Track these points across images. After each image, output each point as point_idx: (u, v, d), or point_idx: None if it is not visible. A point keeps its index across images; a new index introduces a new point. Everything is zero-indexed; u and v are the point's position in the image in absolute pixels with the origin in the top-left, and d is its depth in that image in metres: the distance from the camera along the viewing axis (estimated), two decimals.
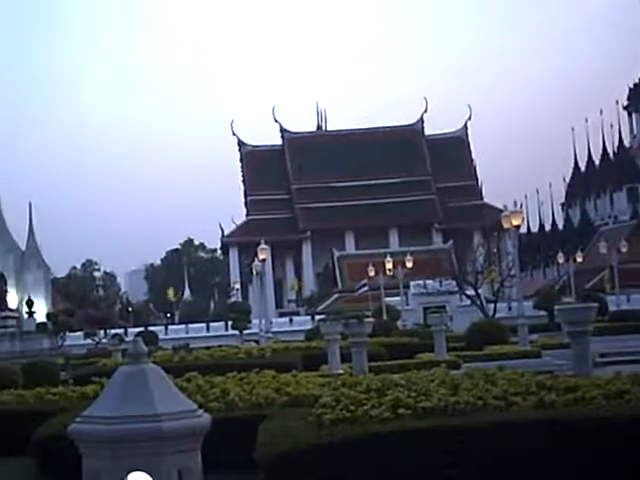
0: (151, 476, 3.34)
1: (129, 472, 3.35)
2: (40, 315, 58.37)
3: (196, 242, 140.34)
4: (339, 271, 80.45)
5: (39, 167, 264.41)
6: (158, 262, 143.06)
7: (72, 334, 58.77)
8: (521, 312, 32.52)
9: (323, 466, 8.73)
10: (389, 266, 60.51)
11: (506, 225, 36.86)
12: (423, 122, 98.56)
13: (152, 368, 3.57)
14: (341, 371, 19.93)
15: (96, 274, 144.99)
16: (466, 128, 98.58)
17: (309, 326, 51.83)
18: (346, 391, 10.66)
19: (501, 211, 40.72)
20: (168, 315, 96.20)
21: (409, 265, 61.86)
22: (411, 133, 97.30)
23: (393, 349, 27.46)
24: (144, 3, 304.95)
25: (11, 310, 58.47)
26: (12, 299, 59.26)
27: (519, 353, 26.24)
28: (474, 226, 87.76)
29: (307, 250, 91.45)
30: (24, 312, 58.55)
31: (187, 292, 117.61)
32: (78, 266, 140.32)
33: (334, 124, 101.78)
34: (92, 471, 3.42)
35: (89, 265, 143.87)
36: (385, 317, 47.10)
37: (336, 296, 74.94)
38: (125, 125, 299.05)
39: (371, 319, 21.26)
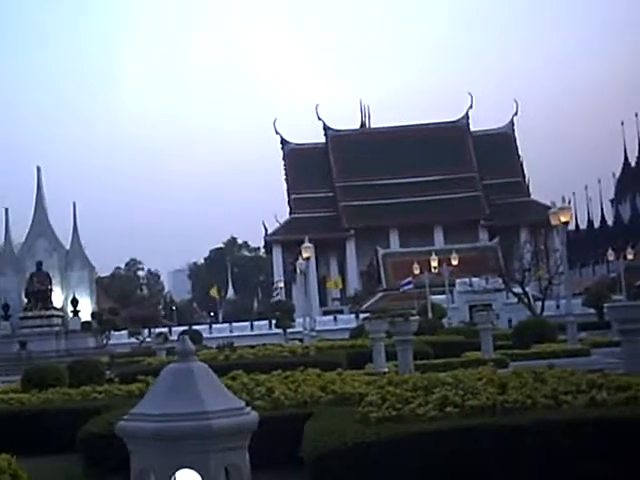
0: (199, 474, 3.33)
1: (177, 469, 3.35)
2: (85, 314, 58.69)
3: (239, 241, 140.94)
4: (383, 269, 79.98)
5: (83, 166, 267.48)
6: (201, 261, 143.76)
7: (116, 333, 59.20)
8: (570, 310, 32.00)
9: (369, 464, 8.68)
10: (434, 264, 60.06)
11: (554, 222, 36.26)
12: (468, 118, 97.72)
13: (200, 366, 3.57)
14: (386, 369, 19.86)
15: (140, 273, 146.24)
16: (512, 124, 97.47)
17: (353, 324, 51.59)
18: (392, 389, 10.61)
19: (549, 208, 40.03)
20: (212, 314, 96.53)
21: (454, 263, 61.40)
22: (456, 129, 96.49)
23: (439, 347, 27.36)
24: (189, 1, 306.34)
25: (56, 309, 58.88)
26: (57, 298, 59.65)
27: (568, 351, 25.90)
28: (521, 223, 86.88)
29: (351, 248, 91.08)
30: (69, 311, 58.93)
31: (230, 291, 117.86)
32: (122, 265, 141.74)
33: (378, 121, 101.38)
34: (140, 468, 3.41)
35: (133, 264, 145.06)
36: (430, 315, 46.93)
37: (380, 294, 74.59)
38: (169, 124, 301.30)
39: (416, 317, 21.07)
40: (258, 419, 3.55)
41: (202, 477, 3.35)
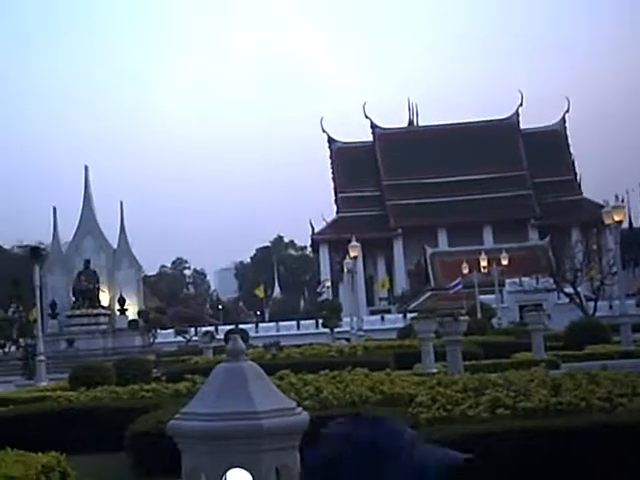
0: (250, 473, 3.29)
1: (228, 469, 3.31)
2: (132, 312, 59.08)
3: (286, 240, 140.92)
4: (431, 269, 79.43)
5: (131, 166, 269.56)
6: (248, 260, 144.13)
7: (163, 331, 59.46)
8: (624, 311, 31.34)
9: None
10: (483, 263, 59.45)
11: (607, 221, 35.62)
12: (518, 116, 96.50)
13: (250, 365, 3.50)
14: (435, 370, 19.72)
15: (186, 272, 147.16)
16: (564, 121, 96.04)
17: (401, 324, 51.30)
18: (442, 390, 10.53)
19: (601, 206, 39.28)
20: (258, 313, 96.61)
21: (504, 262, 60.72)
22: (506, 127, 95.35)
23: (488, 348, 27.15)
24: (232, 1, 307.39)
25: (103, 307, 59.37)
26: (104, 296, 60.12)
27: (622, 353, 25.46)
28: (573, 222, 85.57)
29: (398, 247, 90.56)
30: (116, 309, 59.38)
31: (277, 290, 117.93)
32: (168, 264, 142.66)
33: (426, 119, 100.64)
34: (191, 468, 3.40)
35: (179, 263, 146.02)
36: (479, 315, 46.46)
37: (429, 294, 74.10)
38: (216, 123, 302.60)
39: (466, 317, 20.77)
40: (309, 419, 3.47)
41: (253, 477, 3.30)
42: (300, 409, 3.50)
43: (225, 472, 3.32)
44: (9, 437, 12.55)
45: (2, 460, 7.28)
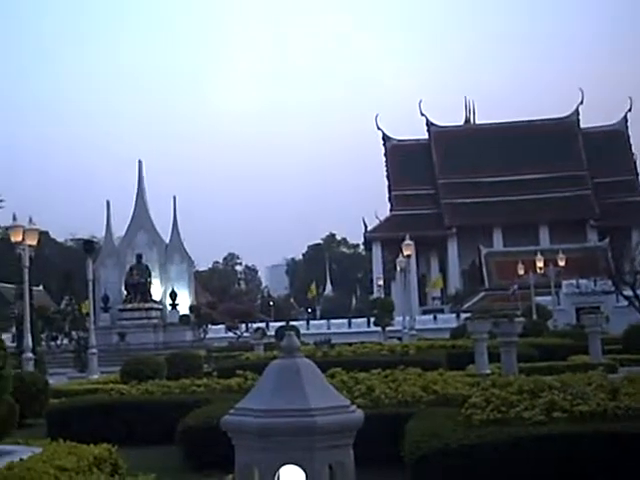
0: (304, 470, 3.33)
1: (281, 465, 3.35)
2: (183, 307, 59.35)
3: (338, 237, 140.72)
4: (486, 269, 78.44)
5: (183, 161, 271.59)
6: (299, 257, 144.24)
7: (214, 327, 59.56)
8: None
9: (472, 467, 8.48)
10: (540, 264, 58.51)
11: None
12: (578, 114, 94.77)
13: (305, 362, 3.56)
14: (488, 371, 19.46)
15: (237, 268, 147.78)
16: (626, 120, 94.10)
17: (454, 324, 50.85)
18: (497, 392, 10.37)
19: None
20: (309, 310, 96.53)
21: (561, 263, 59.72)
22: (565, 126, 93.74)
23: (544, 350, 26.86)
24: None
25: (155, 302, 59.76)
26: (156, 291, 60.51)
27: None
28: (633, 223, 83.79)
29: (452, 247, 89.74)
30: (167, 304, 59.69)
31: (328, 287, 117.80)
32: (220, 260, 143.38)
33: (483, 117, 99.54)
34: (244, 463, 3.44)
35: (231, 259, 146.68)
36: (535, 317, 45.76)
37: (483, 294, 73.27)
38: (270, 120, 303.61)
39: (521, 319, 20.42)
40: (362, 417, 3.53)
41: (306, 473, 3.34)
42: (354, 407, 3.54)
43: (278, 468, 3.37)
44: (62, 429, 12.64)
45: (55, 451, 7.32)
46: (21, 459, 6.77)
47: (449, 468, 8.50)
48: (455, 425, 9.41)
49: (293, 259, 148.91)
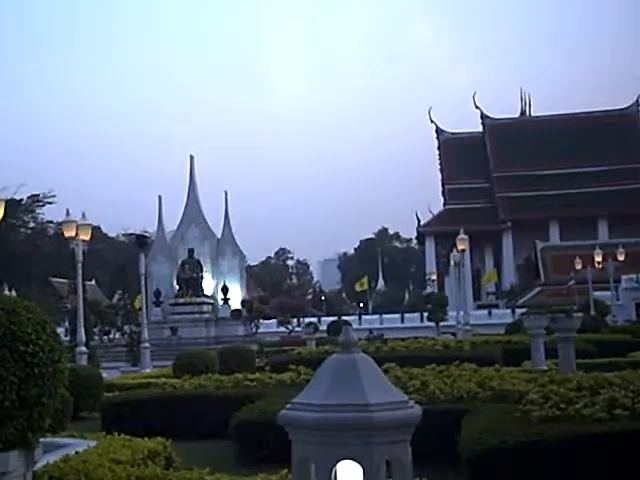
0: (361, 465, 3.30)
1: (339, 460, 3.33)
2: (235, 302, 59.30)
3: (391, 231, 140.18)
4: (542, 263, 77.16)
5: (235, 155, 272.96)
6: (351, 251, 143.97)
7: (266, 321, 59.36)
8: None
9: (530, 465, 8.34)
10: (598, 259, 57.41)
11: None
12: (639, 105, 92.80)
13: (363, 357, 3.52)
14: (545, 367, 19.17)
15: (289, 262, 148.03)
16: None
17: (509, 319, 50.11)
18: (555, 388, 10.27)
19: None
20: (361, 305, 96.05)
21: (621, 258, 58.48)
22: (624, 118, 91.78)
23: (602, 346, 26.39)
24: None
25: (207, 296, 59.84)
26: (208, 285, 60.56)
27: None
28: None
29: (507, 241, 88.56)
30: (219, 298, 59.72)
31: (381, 282, 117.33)
32: (271, 254, 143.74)
33: (539, 109, 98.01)
34: (301, 457, 3.42)
35: (282, 253, 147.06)
36: (593, 312, 44.82)
37: (539, 289, 72.18)
38: (322, 114, 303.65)
39: (579, 314, 19.95)
40: (421, 414, 3.48)
41: (364, 469, 3.31)
42: (412, 403, 3.50)
43: (336, 463, 3.33)
44: (116, 422, 12.52)
45: (110, 445, 7.37)
46: (76, 452, 6.77)
47: (507, 465, 8.34)
48: (513, 422, 9.29)
49: (345, 254, 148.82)
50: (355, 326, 53.56)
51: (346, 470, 3.36)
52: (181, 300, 58.86)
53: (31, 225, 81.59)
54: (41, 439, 5.85)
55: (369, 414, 3.30)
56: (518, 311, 58.08)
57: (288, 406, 3.47)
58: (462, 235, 45.60)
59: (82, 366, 21.58)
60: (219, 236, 62.08)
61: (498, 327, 44.56)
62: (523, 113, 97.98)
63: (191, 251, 60.42)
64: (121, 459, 6.77)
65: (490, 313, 65.39)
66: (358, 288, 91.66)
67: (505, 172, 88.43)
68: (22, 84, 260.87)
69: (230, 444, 12.17)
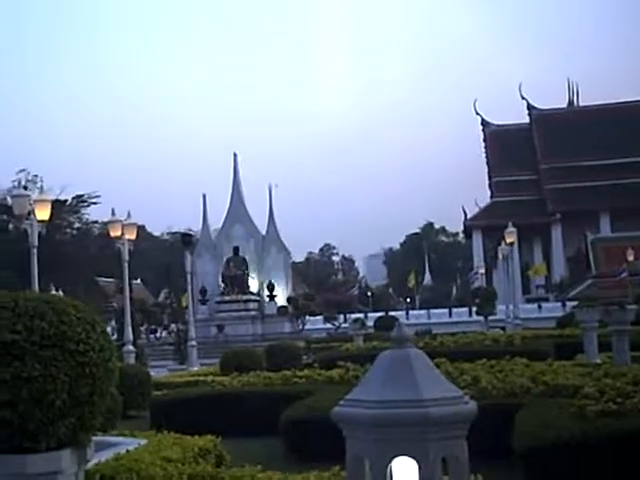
0: (417, 462, 3.29)
1: (394, 457, 3.31)
2: (281, 299, 59.38)
3: (437, 226, 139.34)
4: (593, 255, 76.00)
5: (279, 151, 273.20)
6: (397, 246, 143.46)
7: (312, 318, 59.27)
8: None
9: (587, 460, 8.17)
10: None
11: None
12: None
13: (417, 353, 3.53)
14: (599, 361, 18.85)
15: (334, 258, 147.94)
16: None
17: (559, 313, 49.55)
18: (610, 382, 10.16)
19: None
20: (408, 300, 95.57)
21: None
22: None
23: None
24: None
25: (252, 293, 60.08)
26: (253, 283, 60.77)
27: None
28: None
29: (556, 233, 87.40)
30: (265, 296, 59.84)
31: (427, 277, 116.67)
32: (315, 250, 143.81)
33: (587, 99, 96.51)
34: (356, 454, 3.43)
35: (327, 249, 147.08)
36: None
37: (589, 281, 71.15)
38: (365, 106, 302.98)
39: (633, 306, 19.64)
40: (476, 409, 3.47)
41: (420, 465, 3.30)
42: (467, 398, 3.48)
43: (391, 460, 3.31)
44: (165, 420, 12.58)
45: (160, 443, 7.40)
46: (127, 450, 6.81)
47: (563, 461, 8.20)
48: (568, 417, 9.13)
49: (391, 249, 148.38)
50: (402, 321, 53.20)
51: (401, 467, 3.35)
52: (227, 298, 59.18)
53: (76, 225, 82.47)
54: (92, 438, 5.89)
55: (424, 410, 3.28)
56: (569, 304, 57.38)
57: (342, 403, 3.47)
58: (511, 228, 45.25)
59: (130, 365, 21.74)
60: (264, 233, 62.25)
61: (548, 321, 44.13)
62: (571, 103, 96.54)
63: (236, 249, 60.71)
64: (172, 457, 6.77)
65: (540, 307, 64.74)
66: (410, 284, 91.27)
67: (553, 163, 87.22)
68: (67, 83, 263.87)
69: (279, 441, 12.16)
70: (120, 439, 7.74)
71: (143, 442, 7.45)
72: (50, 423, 5.34)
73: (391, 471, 3.35)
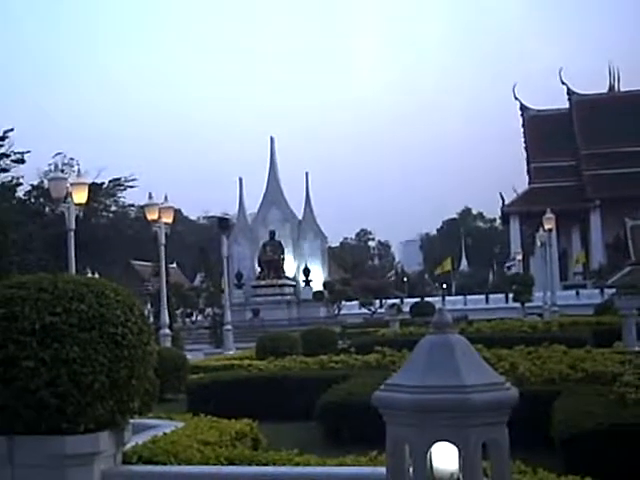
0: (457, 447, 3.30)
1: (434, 442, 3.33)
2: (316, 284, 59.31)
3: (474, 211, 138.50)
4: (632, 242, 75.08)
5: (316, 136, 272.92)
6: (433, 232, 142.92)
7: (347, 303, 59.18)
8: None
9: (627, 448, 8.07)
10: None
11: None
12: None
13: (458, 339, 3.52)
14: (638, 348, 18.87)
15: (370, 244, 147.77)
16: None
17: (597, 300, 49.05)
18: None
19: None
20: (444, 286, 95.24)
21: None
22: None
23: None
24: None
25: (288, 278, 60.10)
26: (289, 267, 60.74)
27: None
28: None
29: (595, 220, 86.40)
30: (301, 280, 59.84)
31: (464, 263, 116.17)
32: (351, 235, 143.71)
33: (628, 85, 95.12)
34: (396, 439, 3.43)
35: (363, 234, 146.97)
36: None
37: (629, 269, 70.37)
38: (402, 93, 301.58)
39: None
40: (517, 395, 3.46)
41: (460, 451, 3.31)
42: (508, 384, 3.47)
43: (431, 445, 3.32)
44: (202, 404, 12.65)
45: (197, 426, 7.42)
46: (164, 433, 6.85)
47: (602, 449, 8.12)
48: (607, 404, 9.08)
49: (427, 234, 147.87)
50: (439, 307, 52.99)
51: (441, 452, 3.36)
52: (263, 282, 59.26)
53: (113, 209, 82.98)
54: (130, 420, 5.92)
55: (466, 395, 3.29)
56: (607, 291, 56.84)
57: (382, 387, 3.47)
58: (549, 214, 44.83)
59: (166, 348, 21.84)
60: (300, 218, 62.18)
61: (586, 308, 43.70)
62: (612, 88, 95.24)
63: (272, 233, 60.71)
64: (209, 440, 6.77)
65: (578, 293, 64.19)
66: (439, 271, 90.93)
67: (593, 149, 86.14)
68: (105, 66, 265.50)
69: (315, 426, 12.18)
70: (157, 422, 7.72)
71: (180, 425, 7.47)
72: (88, 405, 5.37)
73: (431, 456, 3.37)
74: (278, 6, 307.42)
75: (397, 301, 54.39)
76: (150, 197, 29.41)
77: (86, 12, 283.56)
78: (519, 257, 74.21)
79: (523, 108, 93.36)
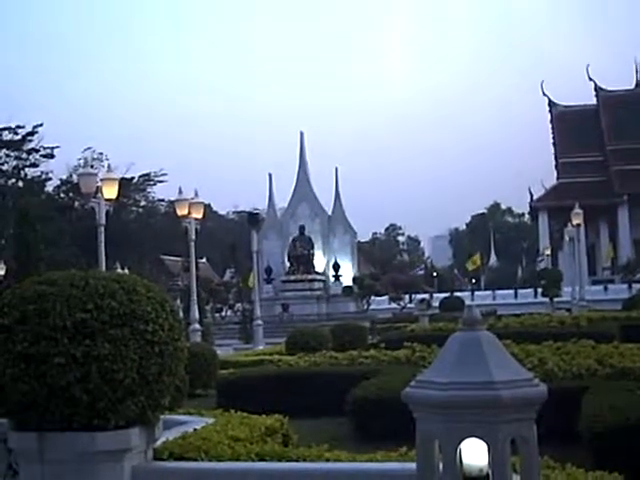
0: (487, 443, 3.31)
1: (463, 438, 3.34)
2: (346, 279, 59.20)
3: (503, 206, 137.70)
4: None
5: (345, 132, 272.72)
6: (463, 227, 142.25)
7: (377, 298, 59.03)
8: None
9: None
10: None
11: None
12: None
13: (487, 335, 3.53)
14: None
15: (400, 239, 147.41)
16: None
17: (626, 295, 48.65)
18: None
19: None
20: (473, 281, 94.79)
21: None
22: None
23: None
24: None
25: (318, 273, 60.02)
26: (319, 262, 60.68)
27: None
28: None
29: (623, 215, 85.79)
30: (330, 275, 59.75)
31: (493, 258, 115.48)
32: (381, 231, 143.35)
33: None
34: (426, 435, 3.45)
35: (392, 230, 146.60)
36: None
37: None
38: (431, 89, 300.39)
39: None
40: (546, 391, 3.47)
41: (489, 447, 3.32)
42: (537, 381, 3.47)
43: (460, 441, 3.33)
44: (232, 399, 12.69)
45: (227, 422, 7.38)
46: (195, 429, 6.80)
47: (630, 445, 8.04)
48: (634, 400, 9.06)
49: (456, 229, 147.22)
50: (467, 302, 52.89)
51: (471, 448, 3.38)
52: (292, 277, 59.22)
53: (142, 204, 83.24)
54: (160, 416, 5.93)
55: (495, 392, 3.30)
56: (635, 286, 56.38)
57: (413, 384, 3.49)
58: (577, 210, 44.65)
59: (196, 343, 21.91)
60: (330, 213, 62.07)
61: (614, 303, 43.37)
62: (638, 84, 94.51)
63: (302, 228, 60.65)
64: (240, 436, 6.75)
65: (606, 288, 63.73)
66: (470, 267, 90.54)
67: (620, 145, 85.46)
68: (137, 60, 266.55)
69: (345, 421, 12.19)
70: (188, 418, 7.73)
71: (210, 421, 7.45)
72: (119, 401, 5.39)
73: (461, 452, 3.38)
74: (312, 9, 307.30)
75: (426, 296, 54.16)
76: (180, 192, 29.51)
77: (126, 10, 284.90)
78: (547, 252, 73.81)
79: (551, 104, 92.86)
